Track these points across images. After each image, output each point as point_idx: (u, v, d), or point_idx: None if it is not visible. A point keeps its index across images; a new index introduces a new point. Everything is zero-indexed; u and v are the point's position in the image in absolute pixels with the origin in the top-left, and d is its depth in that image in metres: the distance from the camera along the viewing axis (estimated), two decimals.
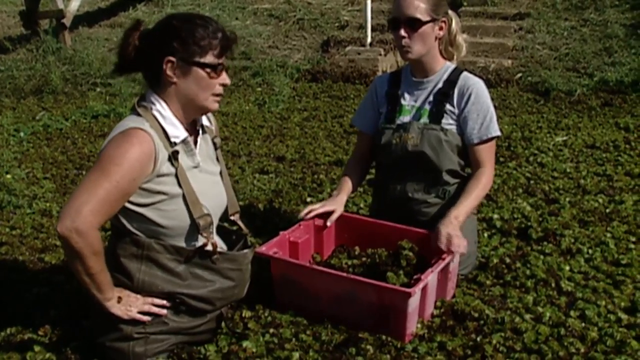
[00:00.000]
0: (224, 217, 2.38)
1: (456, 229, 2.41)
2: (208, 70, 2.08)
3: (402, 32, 2.58)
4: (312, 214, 2.65)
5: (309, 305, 2.34)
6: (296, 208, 3.60)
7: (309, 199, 3.75)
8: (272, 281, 2.45)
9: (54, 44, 7.54)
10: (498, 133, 2.63)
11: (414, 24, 2.56)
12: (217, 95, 2.15)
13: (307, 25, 8.34)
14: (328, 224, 2.67)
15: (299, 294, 2.36)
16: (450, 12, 2.67)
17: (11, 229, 3.48)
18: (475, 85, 2.65)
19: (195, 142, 2.24)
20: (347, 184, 2.80)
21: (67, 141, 5.25)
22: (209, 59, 2.08)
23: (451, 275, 2.48)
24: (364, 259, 2.56)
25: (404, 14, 2.57)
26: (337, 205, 2.70)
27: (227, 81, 2.15)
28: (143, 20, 2.16)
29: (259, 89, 6.79)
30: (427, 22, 2.57)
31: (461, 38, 2.74)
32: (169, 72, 2.08)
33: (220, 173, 2.35)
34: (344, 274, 2.30)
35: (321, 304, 2.32)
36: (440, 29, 2.63)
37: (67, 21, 7.68)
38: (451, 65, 2.72)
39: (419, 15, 2.56)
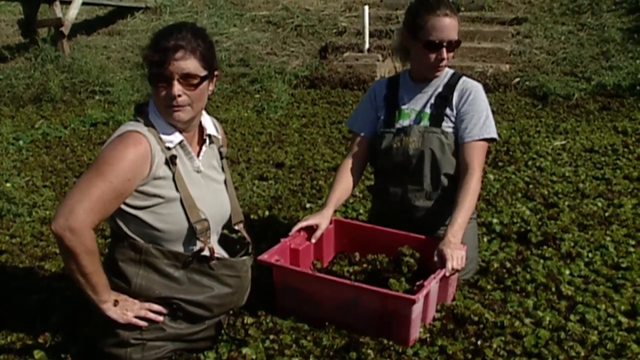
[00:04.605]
0: (228, 226, 2.39)
1: (457, 247, 2.36)
2: (155, 83, 2.08)
3: (445, 54, 2.59)
4: (295, 228, 2.56)
5: (311, 312, 2.33)
6: (295, 214, 3.60)
7: (308, 205, 3.75)
8: (273, 288, 2.45)
9: (53, 53, 7.57)
10: (492, 135, 2.63)
11: (455, 46, 2.62)
12: (170, 106, 2.09)
13: (305, 31, 8.36)
14: (312, 240, 2.59)
15: (302, 301, 2.36)
16: None
17: (11, 237, 3.48)
18: (473, 87, 2.68)
19: (200, 150, 2.26)
20: (337, 194, 2.71)
21: (66, 149, 5.26)
22: (154, 70, 2.07)
23: (452, 281, 2.49)
24: (364, 265, 2.56)
25: (449, 37, 2.57)
26: (322, 219, 2.61)
27: (173, 93, 2.06)
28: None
29: (258, 95, 6.80)
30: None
31: None
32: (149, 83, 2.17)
33: (225, 182, 2.37)
34: (348, 282, 2.30)
35: (324, 311, 2.32)
36: None
37: (65, 29, 7.70)
38: (450, 70, 2.74)
39: (457, 37, 2.61)
